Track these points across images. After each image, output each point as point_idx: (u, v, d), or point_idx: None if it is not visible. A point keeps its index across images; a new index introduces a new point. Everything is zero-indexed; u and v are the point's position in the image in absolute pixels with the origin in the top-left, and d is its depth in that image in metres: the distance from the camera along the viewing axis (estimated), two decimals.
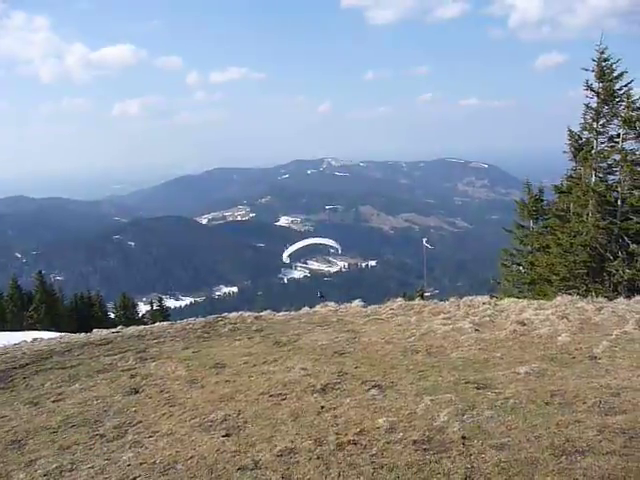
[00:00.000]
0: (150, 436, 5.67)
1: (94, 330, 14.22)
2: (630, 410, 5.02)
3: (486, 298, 13.82)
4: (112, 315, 51.64)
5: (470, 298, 13.79)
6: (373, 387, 6.52)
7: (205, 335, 11.55)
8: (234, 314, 15.17)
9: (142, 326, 15.23)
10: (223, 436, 5.41)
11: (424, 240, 19.79)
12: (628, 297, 19.93)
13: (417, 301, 14.71)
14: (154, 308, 54.64)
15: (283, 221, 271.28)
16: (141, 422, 6.12)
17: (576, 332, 8.30)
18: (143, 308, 60.77)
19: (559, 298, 12.40)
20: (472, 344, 8.13)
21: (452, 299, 14.35)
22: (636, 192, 20.33)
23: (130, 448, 5.43)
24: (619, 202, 20.88)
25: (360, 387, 6.60)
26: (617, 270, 20.38)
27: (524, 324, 9.07)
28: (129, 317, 47.80)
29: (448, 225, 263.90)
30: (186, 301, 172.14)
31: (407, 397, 6.00)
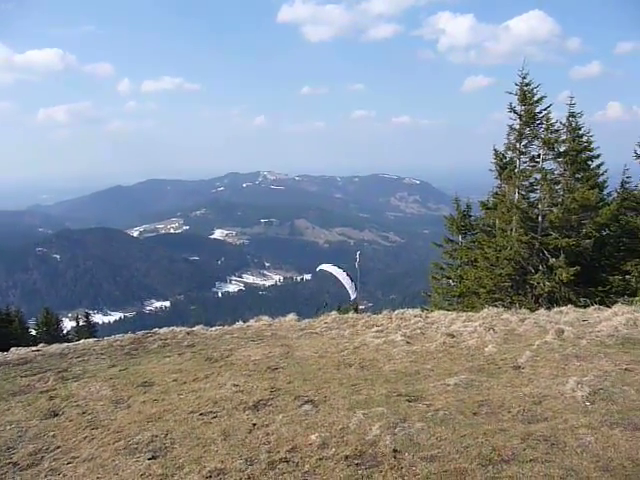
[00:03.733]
0: (69, 462, 5.31)
1: (12, 349, 13.32)
2: (551, 417, 5.23)
3: (417, 311, 14.15)
4: (33, 332, 48.77)
5: (402, 311, 14.09)
6: (306, 402, 6.46)
7: (133, 352, 11.10)
8: (165, 329, 14.72)
9: (65, 344, 14.44)
10: (149, 459, 5.15)
11: (357, 253, 20.00)
12: (548, 308, 21.03)
13: (351, 314, 14.84)
14: (80, 324, 52.11)
15: (218, 234, 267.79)
16: (59, 447, 5.73)
17: (501, 343, 8.62)
18: (68, 324, 57.87)
19: (486, 310, 12.88)
20: (404, 356, 8.26)
21: (385, 312, 14.61)
22: (555, 209, 21.51)
23: (46, 477, 5.05)
24: (540, 218, 22.03)
25: (293, 403, 6.52)
26: (538, 283, 21.42)
27: (453, 336, 9.33)
28: (52, 334, 45.28)
29: (381, 239, 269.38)
30: (115, 316, 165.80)
31: (340, 412, 5.98)
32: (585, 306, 20.11)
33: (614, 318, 9.59)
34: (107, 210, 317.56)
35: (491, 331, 9.29)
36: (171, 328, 14.95)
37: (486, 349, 8.19)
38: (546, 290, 21.22)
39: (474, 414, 5.51)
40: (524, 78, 22.60)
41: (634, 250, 21.71)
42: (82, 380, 8.60)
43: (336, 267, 19.47)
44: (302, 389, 7.08)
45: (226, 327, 15.15)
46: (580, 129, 23.36)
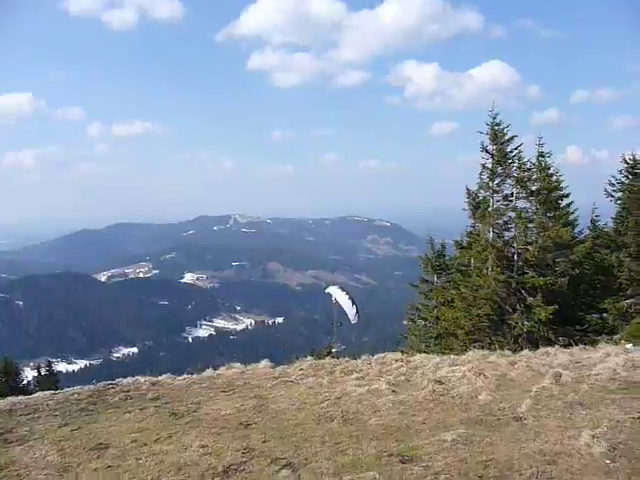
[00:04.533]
0: None
1: None
2: None
3: (398, 355, 13.39)
4: None
5: (382, 355, 13.31)
6: (284, 467, 5.62)
7: (90, 407, 10.01)
8: (128, 380, 13.56)
9: (18, 397, 13.14)
10: None
11: (333, 297, 19.29)
12: (529, 348, 20.48)
13: (328, 360, 13.96)
14: (42, 374, 49.35)
15: (188, 278, 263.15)
16: None
17: (495, 390, 7.93)
18: (30, 374, 54.86)
19: (470, 353, 12.22)
20: (390, 407, 7.47)
21: (364, 357, 13.78)
22: (530, 247, 21.34)
23: None
24: (515, 257, 21.80)
25: (269, 467, 5.67)
26: (517, 322, 20.97)
27: (442, 382, 8.61)
28: (11, 385, 42.64)
29: (354, 281, 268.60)
30: (80, 365, 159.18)
31: (324, 478, 5.17)
32: (565, 345, 19.77)
33: (608, 359, 9.05)
34: (74, 255, 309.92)
35: (482, 376, 8.61)
36: (135, 378, 13.80)
37: (480, 397, 7.48)
38: (525, 330, 20.77)
39: (480, 478, 4.77)
40: (494, 118, 22.75)
41: (609, 288, 21.61)
42: (27, 444, 7.54)
43: (340, 289, 18.84)
44: (279, 449, 6.23)
45: (194, 376, 14.07)
46: (549, 168, 23.56)
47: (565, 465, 4.86)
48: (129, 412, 9.15)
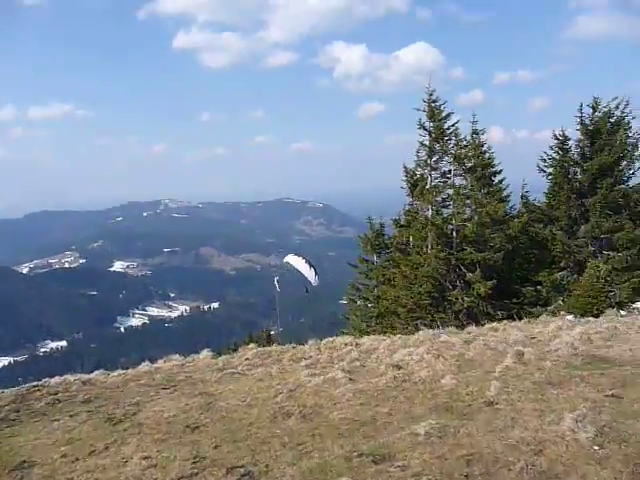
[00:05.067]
0: None
1: None
2: (564, 473, 4.17)
3: (348, 338, 12.93)
4: None
5: (331, 340, 12.82)
6: (243, 476, 4.97)
7: (12, 416, 8.86)
8: (56, 379, 12.30)
9: None
10: None
11: (275, 280, 18.66)
12: (469, 323, 20.75)
13: (274, 347, 13.29)
14: None
15: (118, 266, 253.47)
16: None
17: (457, 372, 7.56)
18: None
19: (421, 332, 11.96)
20: (351, 398, 6.93)
21: (311, 342, 13.24)
22: (468, 224, 21.52)
23: None
24: (454, 234, 21.95)
25: (225, 478, 5.00)
26: (457, 299, 21.18)
27: (400, 367, 8.17)
28: None
29: None
30: (4, 362, 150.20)
31: None
32: (504, 318, 20.14)
33: (561, 333, 8.95)
34: None
35: (441, 358, 8.25)
36: (64, 377, 12.58)
37: (443, 381, 7.07)
38: (465, 306, 21.02)
39: (466, 477, 4.32)
40: (431, 95, 22.66)
41: (543, 261, 22.20)
42: None
43: (297, 256, 18.45)
44: (234, 455, 5.55)
45: (130, 371, 13.00)
46: (483, 146, 23.85)
47: (553, 455, 4.49)
48: (58, 420, 8.14)
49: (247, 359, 12.10)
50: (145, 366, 13.72)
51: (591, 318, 12.29)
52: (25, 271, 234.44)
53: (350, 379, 7.91)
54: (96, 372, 13.36)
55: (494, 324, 13.60)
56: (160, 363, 14.00)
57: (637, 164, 20.87)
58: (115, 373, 12.82)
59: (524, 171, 25.28)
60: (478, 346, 8.86)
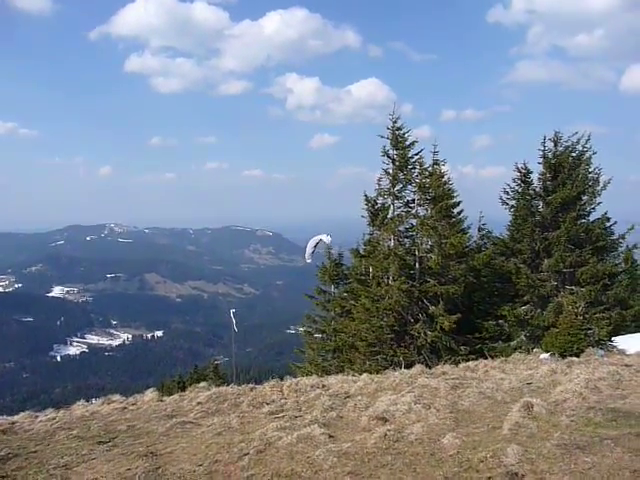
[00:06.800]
0: None
1: None
2: None
3: (313, 379, 11.64)
4: None
5: (295, 381, 11.47)
6: None
7: None
8: None
9: None
10: None
11: (232, 312, 17.34)
12: (432, 359, 19.83)
13: (229, 388, 11.78)
14: None
15: (57, 291, 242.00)
16: None
17: (455, 427, 6.41)
18: None
19: (397, 374, 10.80)
20: (335, 465, 5.62)
21: (272, 382, 11.84)
22: (432, 255, 20.82)
23: None
24: (417, 265, 21.19)
25: None
26: (419, 333, 20.29)
27: (385, 420, 6.96)
28: None
29: (236, 291, 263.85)
30: None
31: None
32: (468, 354, 19.37)
33: (560, 379, 8.01)
34: None
35: (432, 409, 7.10)
36: None
37: (444, 441, 5.88)
38: (429, 340, 20.13)
39: None
40: (395, 122, 22.08)
41: (506, 294, 21.71)
42: None
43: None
44: None
45: (61, 415, 11.17)
46: (444, 176, 23.44)
47: None
48: None
49: (199, 403, 10.59)
50: (80, 407, 11.98)
51: (574, 358, 11.53)
52: None
53: (330, 436, 6.61)
54: (21, 415, 11.51)
55: (468, 363, 12.68)
56: (98, 404, 12.29)
57: (598, 199, 20.84)
58: (44, 417, 11.01)
59: (474, 205, 25.34)
60: (471, 394, 7.76)
